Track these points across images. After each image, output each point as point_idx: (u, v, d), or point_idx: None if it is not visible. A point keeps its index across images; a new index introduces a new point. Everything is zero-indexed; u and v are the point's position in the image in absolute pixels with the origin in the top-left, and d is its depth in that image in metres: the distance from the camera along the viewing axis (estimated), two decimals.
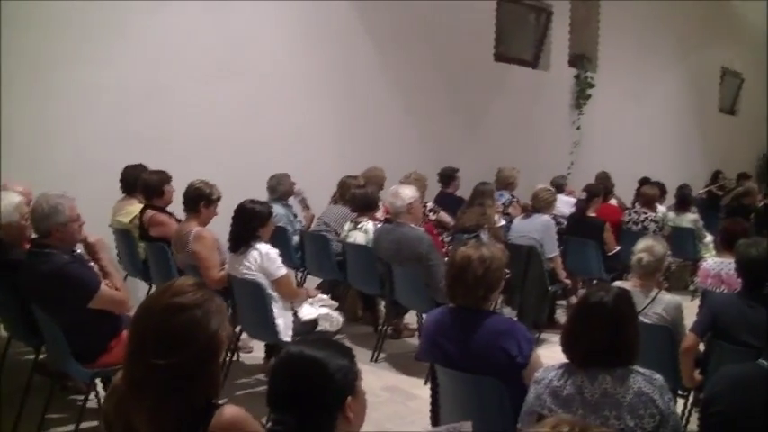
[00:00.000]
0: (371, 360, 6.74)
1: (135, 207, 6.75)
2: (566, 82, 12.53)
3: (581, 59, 12.81)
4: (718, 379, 3.14)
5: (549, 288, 7.54)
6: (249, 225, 5.51)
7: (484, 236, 7.25)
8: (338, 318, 5.78)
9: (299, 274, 8.00)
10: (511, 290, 7.60)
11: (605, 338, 3.03)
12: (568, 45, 12.58)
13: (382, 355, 6.85)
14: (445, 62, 10.28)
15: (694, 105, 16.23)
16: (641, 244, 5.04)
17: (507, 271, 3.91)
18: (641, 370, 3.06)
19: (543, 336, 7.27)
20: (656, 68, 14.72)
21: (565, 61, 12.57)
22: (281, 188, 7.83)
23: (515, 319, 7.49)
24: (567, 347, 3.13)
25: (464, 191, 8.87)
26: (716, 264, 6.04)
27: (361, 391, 2.36)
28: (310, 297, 5.84)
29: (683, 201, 10.40)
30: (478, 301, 3.70)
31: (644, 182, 10.94)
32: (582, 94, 12.53)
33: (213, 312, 2.23)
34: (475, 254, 3.69)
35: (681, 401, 5.01)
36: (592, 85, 12.60)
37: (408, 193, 6.63)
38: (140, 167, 6.90)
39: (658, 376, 3.07)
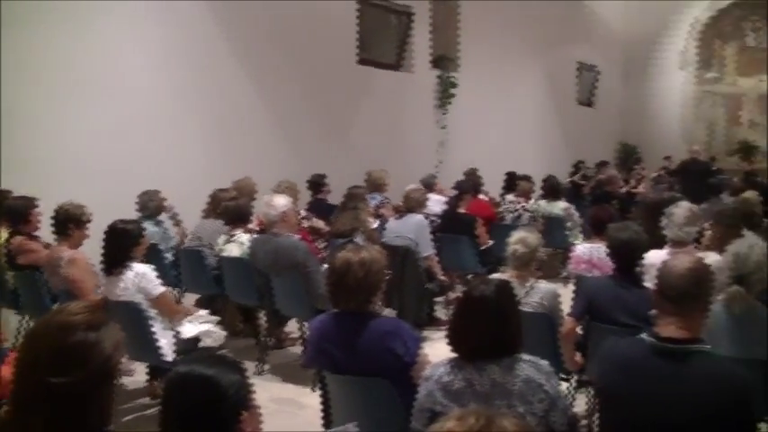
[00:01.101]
0: (256, 372, 6.66)
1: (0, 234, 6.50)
2: (429, 83, 12.69)
3: (443, 60, 12.99)
4: (603, 357, 3.19)
5: (427, 286, 7.63)
6: (121, 245, 5.37)
7: (359, 239, 7.27)
8: (220, 333, 5.69)
9: (176, 292, 7.85)
10: (389, 290, 7.65)
11: (490, 330, 3.08)
12: (430, 46, 12.73)
13: (267, 367, 6.77)
14: (309, 69, 10.25)
15: (554, 99, 16.74)
16: (515, 236, 5.16)
17: (388, 272, 3.93)
18: (527, 357, 3.12)
19: (425, 333, 7.32)
20: (516, 66, 15.10)
21: (427, 62, 12.72)
22: (151, 205, 7.65)
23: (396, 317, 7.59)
24: (453, 342, 3.16)
25: (336, 196, 8.88)
26: (587, 249, 6.21)
27: (255, 406, 2.34)
28: (190, 314, 5.74)
29: (554, 189, 10.68)
30: (361, 305, 3.70)
31: (510, 175, 11.20)
32: (445, 94, 12.72)
33: (109, 336, 2.17)
34: (355, 257, 3.69)
35: (565, 384, 5.17)
36: (455, 85, 12.80)
37: (281, 201, 6.60)
38: (4, 193, 6.64)
39: (544, 362, 3.15)
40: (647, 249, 5.09)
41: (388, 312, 7.73)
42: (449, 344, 3.17)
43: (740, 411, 2.82)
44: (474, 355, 3.09)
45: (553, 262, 9.84)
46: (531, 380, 3.03)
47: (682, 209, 5.63)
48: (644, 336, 2.97)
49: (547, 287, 5.12)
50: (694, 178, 13.33)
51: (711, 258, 4.29)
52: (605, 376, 3.11)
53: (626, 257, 4.83)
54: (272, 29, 9.73)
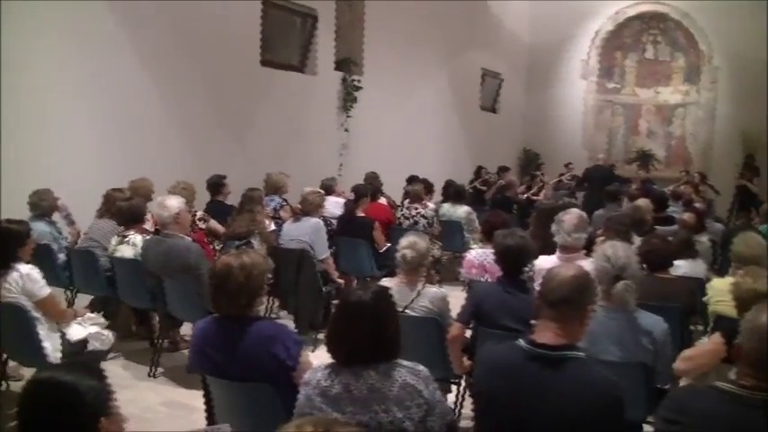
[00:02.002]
0: (149, 375, 6.57)
1: None
2: (333, 85, 12.66)
3: (347, 63, 12.98)
4: (480, 362, 3.26)
5: (323, 289, 7.63)
6: (7, 246, 5.24)
7: (255, 242, 7.25)
8: (109, 336, 5.60)
9: (69, 293, 7.68)
10: (285, 293, 7.66)
11: (367, 336, 3.09)
12: (334, 49, 12.73)
13: (160, 370, 6.67)
14: (211, 69, 10.11)
15: (458, 105, 16.88)
16: (405, 241, 5.20)
17: (270, 276, 3.92)
18: (405, 363, 3.13)
19: (321, 336, 7.31)
20: (420, 70, 15.18)
21: (331, 65, 12.70)
22: (43, 204, 7.45)
23: (293, 322, 7.58)
24: (331, 347, 3.17)
25: (235, 198, 8.78)
26: (479, 254, 6.31)
27: (117, 412, 2.31)
28: (78, 316, 5.63)
29: (457, 194, 10.81)
30: (242, 309, 3.68)
31: (411, 179, 11.29)
32: (349, 97, 12.71)
33: None
34: (235, 262, 3.68)
35: (455, 388, 5.24)
36: (358, 88, 12.80)
37: (174, 203, 6.52)
38: None
39: (422, 368, 3.16)
40: (533, 255, 5.20)
41: (285, 315, 7.85)
42: (327, 348, 3.19)
43: (612, 418, 2.87)
44: (351, 360, 3.09)
45: (453, 266, 9.95)
46: (409, 385, 3.05)
47: (571, 215, 5.76)
48: (520, 341, 3.02)
49: (436, 291, 5.18)
50: (597, 185, 13.66)
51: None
52: (481, 380, 3.16)
53: (512, 263, 4.93)
54: (174, 28, 9.57)
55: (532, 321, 3.13)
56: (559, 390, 2.88)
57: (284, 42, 12.03)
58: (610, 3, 19.89)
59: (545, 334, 2.99)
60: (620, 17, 20.03)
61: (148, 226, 7.34)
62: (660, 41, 20.38)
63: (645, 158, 19.48)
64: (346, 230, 8.64)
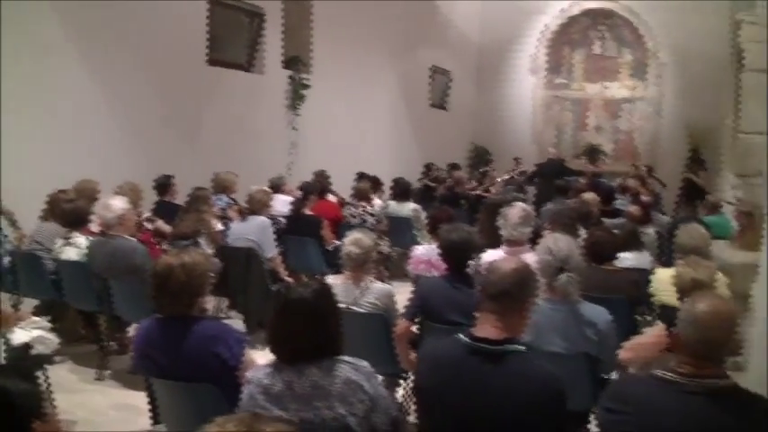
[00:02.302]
0: (96, 378, 6.52)
1: None
2: (281, 84, 12.61)
3: (295, 61, 12.93)
4: (422, 357, 3.28)
5: (272, 288, 7.61)
6: None
7: (202, 241, 7.22)
8: (53, 339, 5.51)
9: (13, 297, 7.57)
10: (234, 293, 7.63)
11: (309, 333, 3.09)
12: (282, 48, 12.68)
13: (108, 373, 6.61)
14: (158, 69, 10.01)
15: (407, 102, 16.89)
16: (349, 238, 5.21)
17: (213, 275, 3.91)
18: (347, 359, 3.14)
19: None
20: (369, 68, 15.17)
21: (279, 64, 12.65)
22: None
23: (242, 321, 7.56)
24: (273, 345, 3.16)
25: (184, 198, 8.69)
26: (426, 250, 6.32)
27: (51, 413, 2.29)
28: (21, 320, 5.55)
29: (404, 191, 10.84)
30: (184, 309, 3.67)
31: (360, 177, 11.30)
32: (297, 96, 12.66)
33: None
34: (176, 261, 3.67)
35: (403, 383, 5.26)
36: (307, 87, 12.77)
37: (119, 204, 6.47)
38: None
39: (364, 363, 3.17)
40: (478, 249, 5.24)
41: (234, 315, 7.82)
42: (269, 346, 3.18)
43: (554, 411, 2.90)
44: (294, 357, 3.10)
45: (402, 263, 9.97)
46: (351, 381, 3.06)
47: (516, 210, 5.80)
48: (460, 335, 3.03)
49: (381, 287, 5.20)
50: (549, 179, 13.79)
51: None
52: (423, 376, 3.16)
53: (457, 258, 4.96)
54: (119, 27, 9.45)
55: (475, 314, 3.13)
56: (500, 384, 2.90)
57: (231, 41, 11.95)
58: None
59: (485, 328, 3.00)
60: (568, 13, 20.18)
61: (94, 227, 7.26)
62: (607, 37, 20.57)
63: (593, 153, 19.66)
64: (294, 229, 8.64)
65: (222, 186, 9.28)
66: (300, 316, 3.11)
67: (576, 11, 20.08)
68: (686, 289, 4.26)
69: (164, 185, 9.13)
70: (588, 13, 20.26)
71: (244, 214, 8.09)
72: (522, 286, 3.10)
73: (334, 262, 8.22)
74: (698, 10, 17.86)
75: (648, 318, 5.99)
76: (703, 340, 2.83)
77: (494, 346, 2.94)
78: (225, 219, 8.57)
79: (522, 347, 2.99)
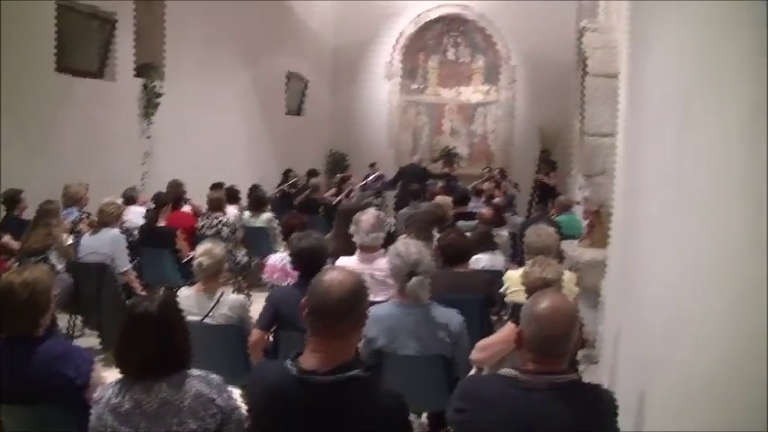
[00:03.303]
0: None
1: None
2: (133, 92, 12.34)
3: (148, 68, 12.67)
4: (252, 382, 3.04)
5: (127, 303, 7.43)
6: None
7: (53, 257, 7.03)
8: None
9: None
10: (87, 309, 7.44)
11: (156, 347, 3.05)
12: (134, 54, 12.41)
13: None
14: (2, 76, 9.63)
15: (263, 108, 16.79)
16: (200, 248, 5.18)
17: (56, 293, 3.81)
18: (197, 372, 3.12)
19: None
20: (224, 74, 15.01)
21: (131, 71, 12.37)
22: None
23: (98, 339, 7.38)
24: (120, 362, 3.11)
25: (33, 212, 8.42)
26: (280, 258, 6.33)
27: None
28: None
29: (258, 201, 10.79)
30: (27, 328, 3.56)
31: (214, 186, 11.18)
32: (150, 104, 12.42)
33: None
34: (17, 279, 3.55)
35: None
36: (160, 94, 12.54)
37: None
38: None
39: (214, 376, 3.15)
40: (329, 256, 5.28)
41: (89, 332, 7.62)
42: (116, 363, 3.13)
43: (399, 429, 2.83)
44: (141, 373, 3.05)
45: (259, 272, 9.94)
46: (202, 395, 3.05)
47: (368, 216, 5.86)
48: (288, 364, 2.80)
49: (235, 298, 5.19)
50: (410, 184, 13.95)
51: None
52: (253, 402, 2.97)
53: (307, 265, 4.96)
54: None
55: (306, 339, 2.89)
56: (336, 417, 2.74)
57: (82, 47, 11.61)
58: (412, 5, 20.29)
59: (314, 356, 2.79)
60: (423, 20, 20.46)
61: None
62: (461, 43, 20.99)
63: (449, 156, 20.00)
64: (148, 240, 8.47)
65: (73, 199, 8.99)
66: (146, 330, 3.06)
67: (430, 16, 20.39)
68: (534, 288, 4.39)
69: (11, 200, 8.75)
70: (442, 19, 20.62)
71: (95, 227, 7.87)
72: (352, 305, 2.83)
73: (190, 273, 8.16)
74: (546, 17, 18.46)
75: (505, 317, 6.18)
76: (544, 337, 2.92)
77: (325, 377, 2.74)
78: (76, 232, 8.33)
79: (357, 371, 2.77)
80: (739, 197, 1.73)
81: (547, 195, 15.47)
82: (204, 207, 10.48)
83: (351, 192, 15.01)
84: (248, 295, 9.28)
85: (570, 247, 7.78)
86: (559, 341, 2.95)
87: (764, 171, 1.54)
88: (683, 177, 2.46)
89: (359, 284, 2.90)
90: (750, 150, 1.65)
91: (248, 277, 9.77)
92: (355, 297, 2.86)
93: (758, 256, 1.56)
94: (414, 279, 4.27)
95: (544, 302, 2.99)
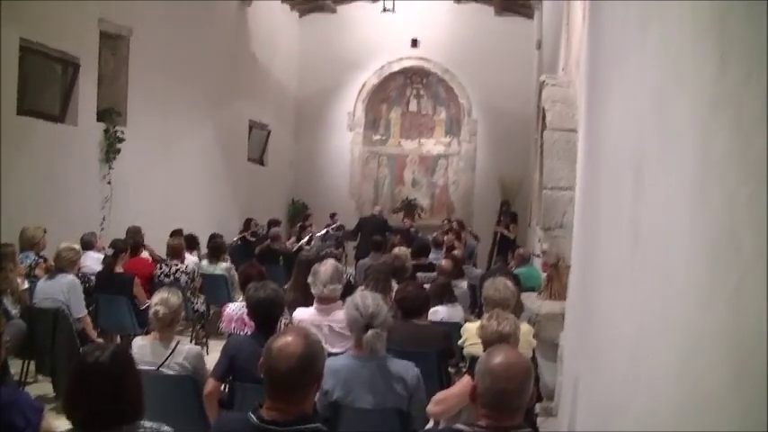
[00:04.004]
0: None
1: None
2: (95, 136, 12.26)
3: (110, 113, 12.61)
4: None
5: (81, 349, 7.33)
6: None
7: (7, 301, 6.92)
8: None
9: None
10: (41, 355, 7.32)
11: (107, 398, 2.98)
12: (97, 99, 12.36)
13: None
14: None
15: (225, 156, 16.79)
16: (156, 297, 5.13)
17: (8, 339, 3.74)
18: (148, 424, 3.05)
19: None
20: (186, 121, 14.99)
21: (93, 115, 12.31)
22: None
23: (51, 385, 7.25)
24: (69, 412, 3.04)
25: None
26: (238, 307, 6.27)
27: None
28: None
29: (217, 249, 10.76)
30: None
31: (173, 233, 11.11)
32: (111, 149, 12.34)
33: None
34: None
35: None
36: (122, 139, 12.48)
37: None
38: None
39: (167, 428, 3.09)
40: (283, 307, 5.26)
41: (42, 379, 7.48)
42: (65, 413, 3.06)
43: None
44: (91, 424, 2.98)
45: (217, 321, 9.86)
46: None
47: (326, 267, 5.86)
48: (251, 415, 2.89)
49: (190, 348, 5.15)
50: (369, 234, 13.96)
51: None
52: None
53: (263, 315, 4.95)
54: None
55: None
56: None
57: (44, 90, 11.55)
58: (375, 57, 20.54)
59: (276, 410, 2.87)
60: (385, 71, 20.71)
61: None
62: (423, 95, 21.28)
63: (410, 207, 20.14)
64: (105, 287, 8.38)
65: (29, 243, 8.89)
66: (97, 380, 3.00)
67: (393, 68, 20.60)
68: (491, 341, 4.39)
69: None
70: (405, 72, 20.85)
71: (51, 272, 7.77)
72: (305, 371, 2.90)
73: (146, 321, 8.06)
74: (508, 71, 18.78)
75: (464, 369, 6.16)
76: (498, 392, 2.92)
77: (285, 428, 2.83)
78: (32, 277, 8.21)
79: (316, 424, 2.89)
80: (693, 251, 1.75)
81: (507, 247, 15.56)
82: (163, 254, 10.41)
83: (311, 239, 15.01)
84: (206, 344, 9.27)
85: (529, 299, 7.79)
86: (513, 396, 2.96)
87: (716, 224, 1.56)
88: (639, 231, 2.48)
89: (311, 348, 2.94)
90: (702, 204, 1.67)
91: (207, 326, 9.68)
92: (307, 362, 2.89)
93: (711, 308, 1.57)
94: (370, 332, 4.26)
95: (498, 357, 3.01)
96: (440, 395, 4.52)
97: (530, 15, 18.60)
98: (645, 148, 2.43)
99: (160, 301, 5.03)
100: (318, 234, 16.02)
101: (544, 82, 7.04)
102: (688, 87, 1.85)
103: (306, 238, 15.09)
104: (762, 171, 1.35)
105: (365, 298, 4.40)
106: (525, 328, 5.67)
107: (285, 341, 2.92)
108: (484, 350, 4.72)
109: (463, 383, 4.45)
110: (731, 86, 1.52)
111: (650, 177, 2.33)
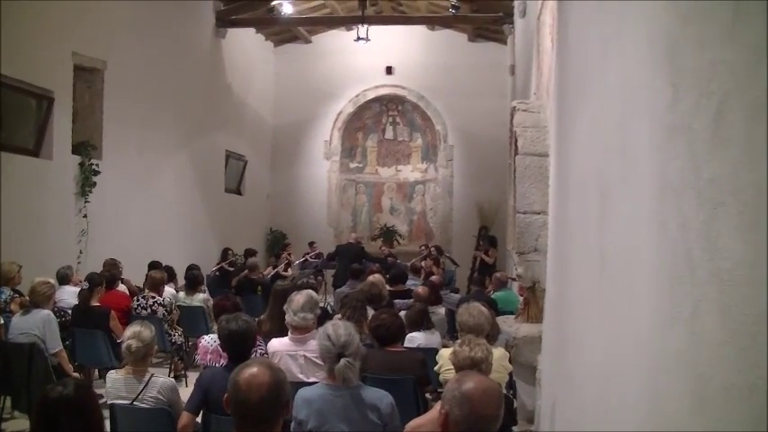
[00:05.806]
0: None
1: None
2: (70, 170, 12.22)
3: (85, 146, 12.57)
4: None
5: None
6: None
7: None
8: None
9: None
10: (16, 391, 7.26)
11: (73, 430, 2.99)
12: (72, 132, 12.32)
13: None
14: None
15: (202, 187, 16.76)
16: (129, 331, 5.11)
17: None
18: None
19: None
20: (163, 152, 14.96)
21: (68, 148, 12.27)
22: None
23: (28, 421, 7.17)
24: None
25: None
26: (212, 339, 6.24)
27: None
28: None
29: (194, 281, 10.73)
30: None
31: (152, 266, 11.07)
32: (87, 182, 12.30)
33: None
34: None
35: None
36: (97, 172, 12.44)
37: None
38: None
39: None
40: (255, 338, 5.25)
41: (18, 415, 7.41)
42: None
43: None
44: None
45: (194, 353, 9.81)
46: None
47: (300, 296, 5.85)
48: None
49: (164, 381, 5.11)
50: (347, 262, 13.96)
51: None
52: None
53: (236, 347, 4.94)
54: None
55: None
56: None
57: (18, 124, 11.50)
58: (350, 86, 20.63)
59: None
60: (361, 100, 20.80)
61: None
62: (399, 122, 21.38)
63: (388, 234, 20.17)
64: (81, 321, 8.33)
65: (5, 278, 8.81)
66: (61, 414, 3.00)
67: (368, 96, 20.69)
68: (463, 367, 4.40)
69: None
70: (380, 100, 20.94)
71: (26, 307, 7.71)
72: (270, 404, 2.84)
73: (122, 354, 8.02)
74: (482, 97, 18.88)
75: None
76: (477, 417, 2.92)
77: None
78: (6, 312, 8.15)
79: None
80: (653, 275, 1.77)
81: (485, 271, 15.58)
82: (140, 286, 10.37)
83: (288, 265, 15.00)
84: (185, 376, 9.21)
85: (507, 323, 7.82)
86: (492, 420, 2.95)
87: (673, 248, 1.59)
88: (605, 255, 2.51)
89: (277, 375, 2.90)
90: (660, 229, 1.70)
91: (185, 358, 9.63)
92: (277, 390, 2.85)
93: (671, 331, 1.60)
94: (342, 361, 4.25)
95: (470, 383, 3.00)
96: (413, 423, 4.51)
97: (503, 41, 18.71)
98: (608, 174, 2.46)
99: (132, 335, 5.01)
100: (297, 262, 16.02)
101: (515, 107, 7.11)
102: (645, 115, 1.89)
103: (282, 265, 15.07)
104: (714, 196, 1.38)
105: (337, 327, 4.40)
106: (499, 353, 5.68)
107: (251, 372, 2.85)
108: None
109: (436, 410, 4.45)
110: (683, 114, 1.55)
111: (613, 202, 2.36)
